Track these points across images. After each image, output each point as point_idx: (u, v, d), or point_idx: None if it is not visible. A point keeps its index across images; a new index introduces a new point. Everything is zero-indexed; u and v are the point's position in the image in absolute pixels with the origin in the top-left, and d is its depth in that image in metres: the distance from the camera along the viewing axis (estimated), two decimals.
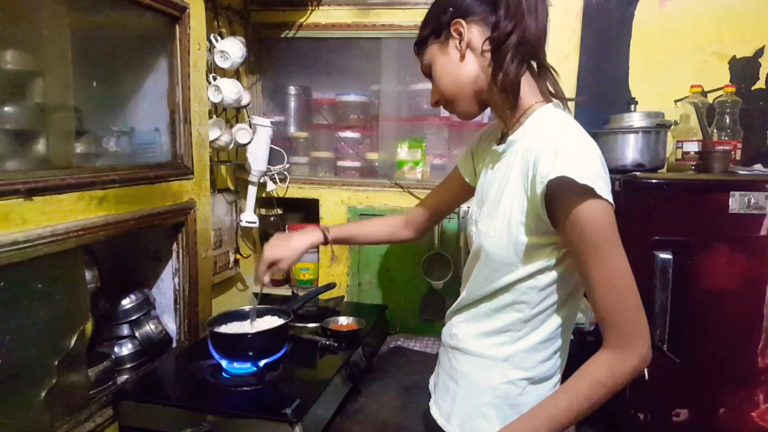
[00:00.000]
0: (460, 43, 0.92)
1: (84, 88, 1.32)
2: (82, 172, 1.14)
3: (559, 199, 0.80)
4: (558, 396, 0.84)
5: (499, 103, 0.94)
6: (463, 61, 0.93)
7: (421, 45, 1.00)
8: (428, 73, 1.00)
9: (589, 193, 0.77)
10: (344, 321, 1.65)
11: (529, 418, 0.84)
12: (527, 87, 0.92)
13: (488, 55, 0.91)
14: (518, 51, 0.87)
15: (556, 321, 0.91)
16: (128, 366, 1.37)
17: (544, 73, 0.94)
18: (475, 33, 0.91)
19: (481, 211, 0.97)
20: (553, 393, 0.86)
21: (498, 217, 0.90)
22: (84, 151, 1.29)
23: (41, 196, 1.01)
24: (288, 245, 1.22)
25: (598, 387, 0.80)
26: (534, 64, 0.93)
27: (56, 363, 1.06)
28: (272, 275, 1.22)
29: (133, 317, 1.40)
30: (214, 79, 1.65)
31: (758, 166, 1.64)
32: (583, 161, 0.79)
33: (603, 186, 0.78)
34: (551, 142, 0.82)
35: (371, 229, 1.31)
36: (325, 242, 1.26)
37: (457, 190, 1.20)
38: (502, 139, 0.99)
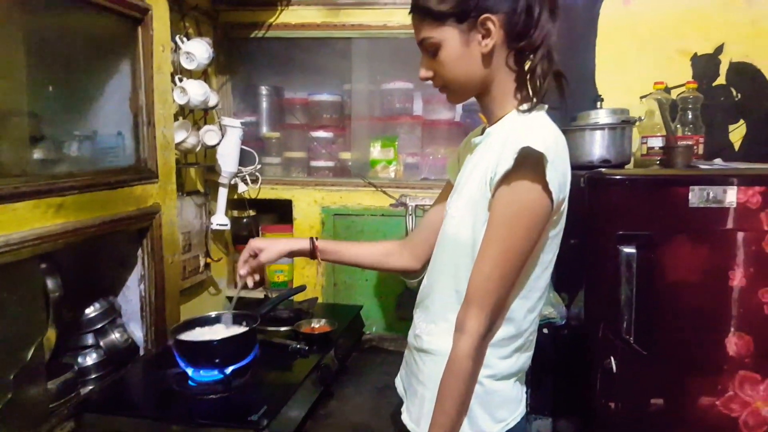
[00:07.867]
0: (483, 38, 0.87)
1: (42, 93, 1.28)
2: (38, 180, 1.11)
3: (514, 166, 0.82)
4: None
5: (495, 98, 0.93)
6: (483, 59, 0.88)
7: (430, 16, 0.88)
8: (431, 50, 0.90)
9: (539, 172, 0.81)
10: (317, 323, 1.64)
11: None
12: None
13: (503, 52, 0.88)
14: (547, 59, 0.88)
15: (517, 314, 0.92)
16: (93, 376, 1.34)
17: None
18: (500, 30, 0.87)
19: (452, 198, 0.97)
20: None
21: (463, 197, 0.92)
22: (42, 157, 1.25)
23: None
24: (273, 241, 1.19)
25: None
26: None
27: (12, 377, 1.03)
28: (251, 269, 1.15)
29: (98, 326, 1.37)
30: (180, 80, 1.63)
31: (718, 160, 1.67)
32: (546, 142, 0.82)
33: (552, 173, 0.81)
34: (522, 127, 0.87)
35: (361, 249, 1.21)
36: (312, 251, 1.18)
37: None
38: (482, 134, 0.99)
